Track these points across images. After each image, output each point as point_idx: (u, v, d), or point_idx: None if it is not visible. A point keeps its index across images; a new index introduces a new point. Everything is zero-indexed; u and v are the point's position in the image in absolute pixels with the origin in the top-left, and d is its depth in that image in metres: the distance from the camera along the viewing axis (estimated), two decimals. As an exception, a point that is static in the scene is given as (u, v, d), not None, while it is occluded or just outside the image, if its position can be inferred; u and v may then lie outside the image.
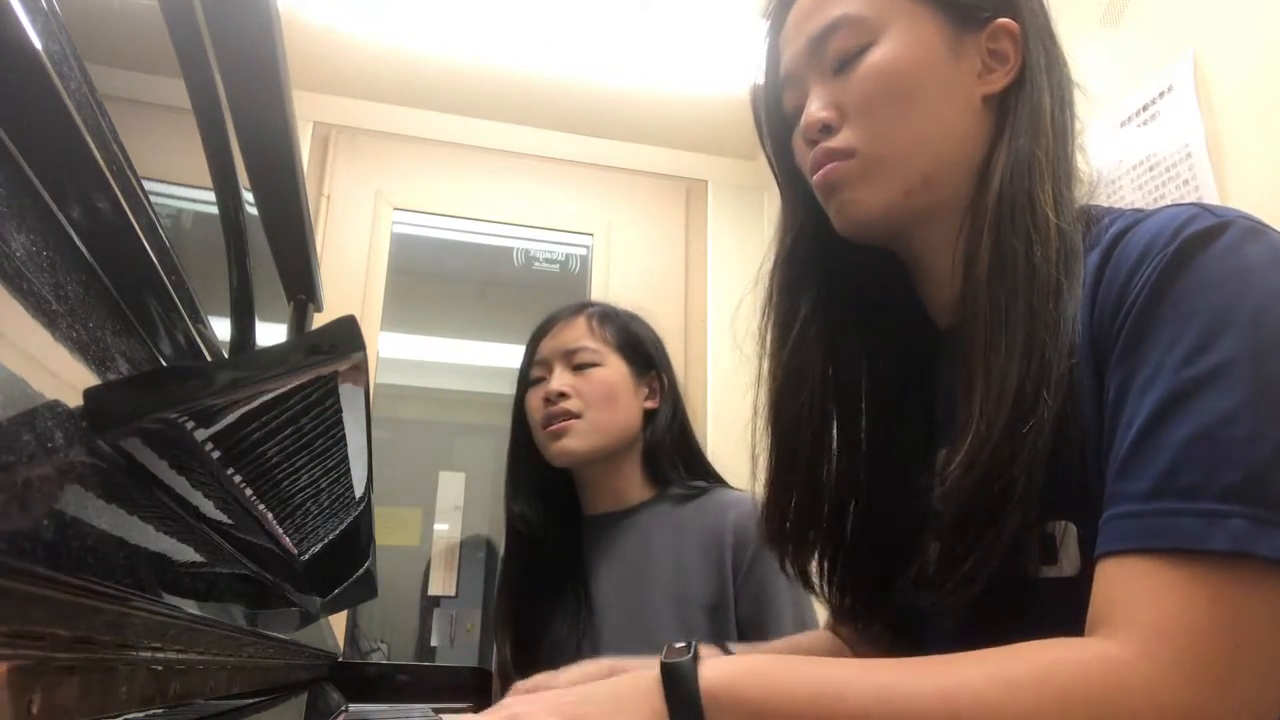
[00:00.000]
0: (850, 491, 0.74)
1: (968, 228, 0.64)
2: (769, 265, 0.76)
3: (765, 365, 0.75)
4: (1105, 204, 0.67)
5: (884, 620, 0.75)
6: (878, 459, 0.74)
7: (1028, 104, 0.65)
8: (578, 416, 1.22)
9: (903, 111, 0.65)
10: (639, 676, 0.52)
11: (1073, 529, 0.57)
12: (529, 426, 1.28)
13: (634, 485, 1.28)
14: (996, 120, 0.66)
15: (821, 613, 1.14)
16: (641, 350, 1.31)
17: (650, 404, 1.30)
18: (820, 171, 0.67)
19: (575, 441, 1.22)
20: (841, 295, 0.74)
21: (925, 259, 0.70)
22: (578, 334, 1.28)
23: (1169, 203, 1.42)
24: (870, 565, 0.73)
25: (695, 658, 0.51)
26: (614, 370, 1.27)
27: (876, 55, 0.65)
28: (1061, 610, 0.57)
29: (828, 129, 0.67)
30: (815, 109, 0.67)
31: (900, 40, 0.65)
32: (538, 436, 1.26)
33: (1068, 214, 0.62)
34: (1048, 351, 0.57)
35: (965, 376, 0.60)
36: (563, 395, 1.23)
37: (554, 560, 1.27)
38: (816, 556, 0.75)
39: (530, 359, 1.30)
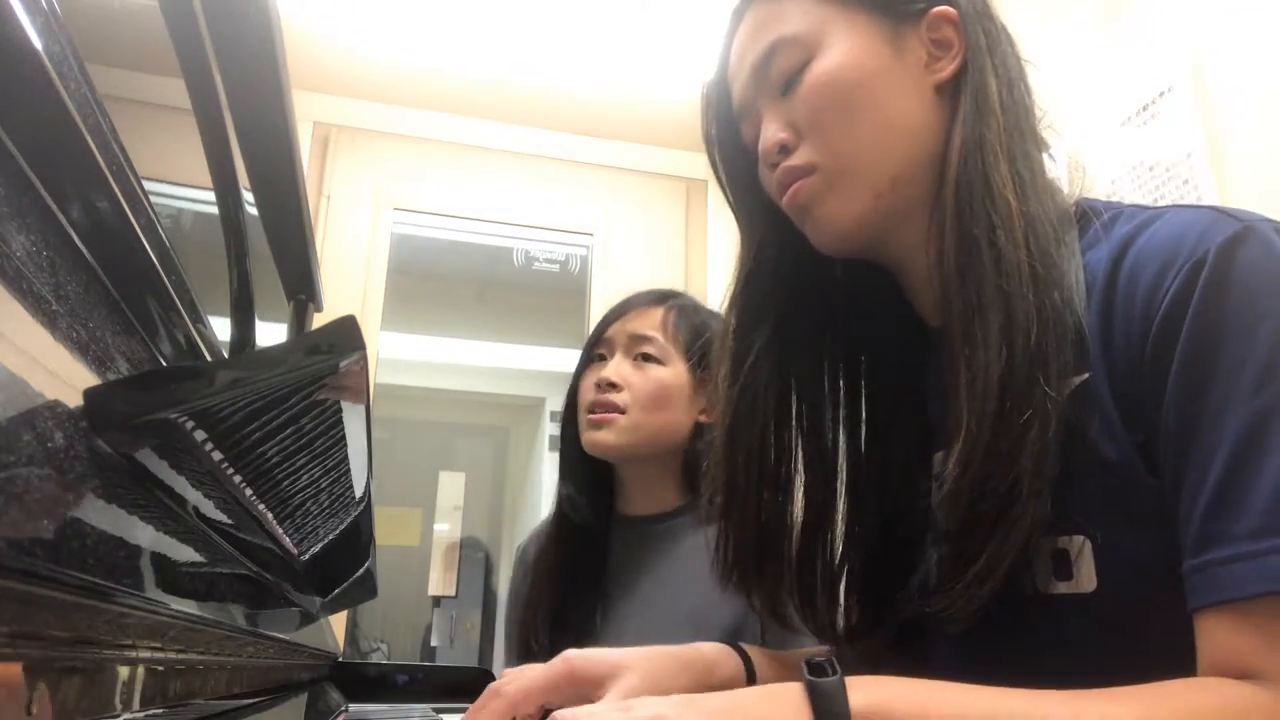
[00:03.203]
0: (828, 514, 0.72)
1: (935, 223, 0.63)
2: (726, 303, 0.75)
3: (718, 404, 0.74)
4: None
5: (883, 639, 0.73)
6: (870, 469, 0.73)
7: (972, 87, 0.64)
8: (622, 411, 1.18)
9: (853, 117, 0.64)
10: (782, 691, 0.49)
11: (1088, 545, 0.55)
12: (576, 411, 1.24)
13: (669, 490, 1.24)
14: (950, 108, 0.65)
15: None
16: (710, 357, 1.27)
17: (705, 417, 1.22)
18: (787, 193, 0.67)
19: (610, 436, 1.18)
20: (806, 319, 0.73)
21: (907, 262, 0.69)
22: (649, 324, 1.22)
23: (1169, 202, 1.41)
24: (869, 581, 0.72)
25: (842, 677, 0.48)
26: (674, 372, 1.21)
27: (817, 68, 0.64)
28: (1077, 627, 0.56)
29: (785, 149, 0.66)
30: (770, 132, 0.67)
31: (839, 49, 0.64)
32: (580, 419, 1.22)
33: (1033, 195, 0.61)
34: (1033, 338, 0.55)
35: (950, 374, 0.59)
36: (613, 386, 1.18)
37: (587, 557, 1.23)
38: (813, 582, 0.73)
39: (597, 337, 1.25)
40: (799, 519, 0.73)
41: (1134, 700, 0.46)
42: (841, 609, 0.74)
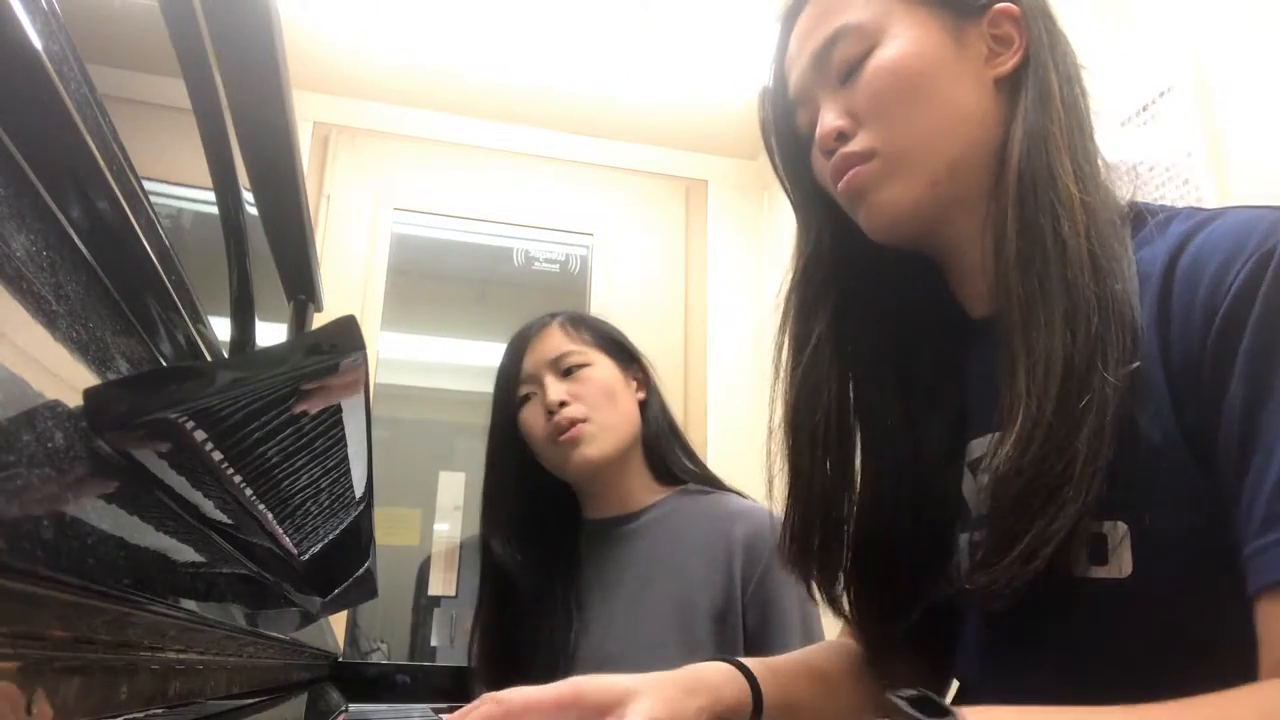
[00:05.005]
0: (880, 502, 0.73)
1: (994, 211, 0.64)
2: (786, 289, 0.76)
3: (778, 387, 0.75)
4: None
5: (909, 628, 0.72)
6: (905, 459, 0.73)
7: (1035, 81, 0.65)
8: (584, 420, 1.19)
9: (914, 105, 0.65)
10: None
11: (1127, 530, 0.56)
12: (511, 455, 1.25)
13: (642, 486, 1.25)
14: (1010, 102, 0.66)
15: (828, 624, 1.14)
16: (620, 344, 1.29)
17: (640, 395, 1.28)
18: (843, 178, 0.67)
19: (592, 449, 1.19)
20: (862, 306, 0.74)
21: (957, 251, 0.69)
22: (557, 342, 1.24)
23: (1168, 202, 1.42)
24: (898, 570, 0.72)
25: (954, 715, 0.44)
26: (604, 367, 1.24)
27: (880, 56, 0.65)
28: (1110, 611, 0.56)
29: (843, 136, 0.67)
30: (829, 119, 0.67)
31: (902, 39, 0.65)
32: (547, 452, 1.22)
33: (1092, 188, 0.62)
34: (1094, 326, 0.56)
35: (1007, 360, 0.60)
36: (563, 404, 1.19)
37: (541, 580, 1.22)
38: (843, 576, 0.74)
39: (515, 378, 1.25)
40: (856, 506, 0.73)
41: (1243, 704, 0.45)
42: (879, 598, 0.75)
